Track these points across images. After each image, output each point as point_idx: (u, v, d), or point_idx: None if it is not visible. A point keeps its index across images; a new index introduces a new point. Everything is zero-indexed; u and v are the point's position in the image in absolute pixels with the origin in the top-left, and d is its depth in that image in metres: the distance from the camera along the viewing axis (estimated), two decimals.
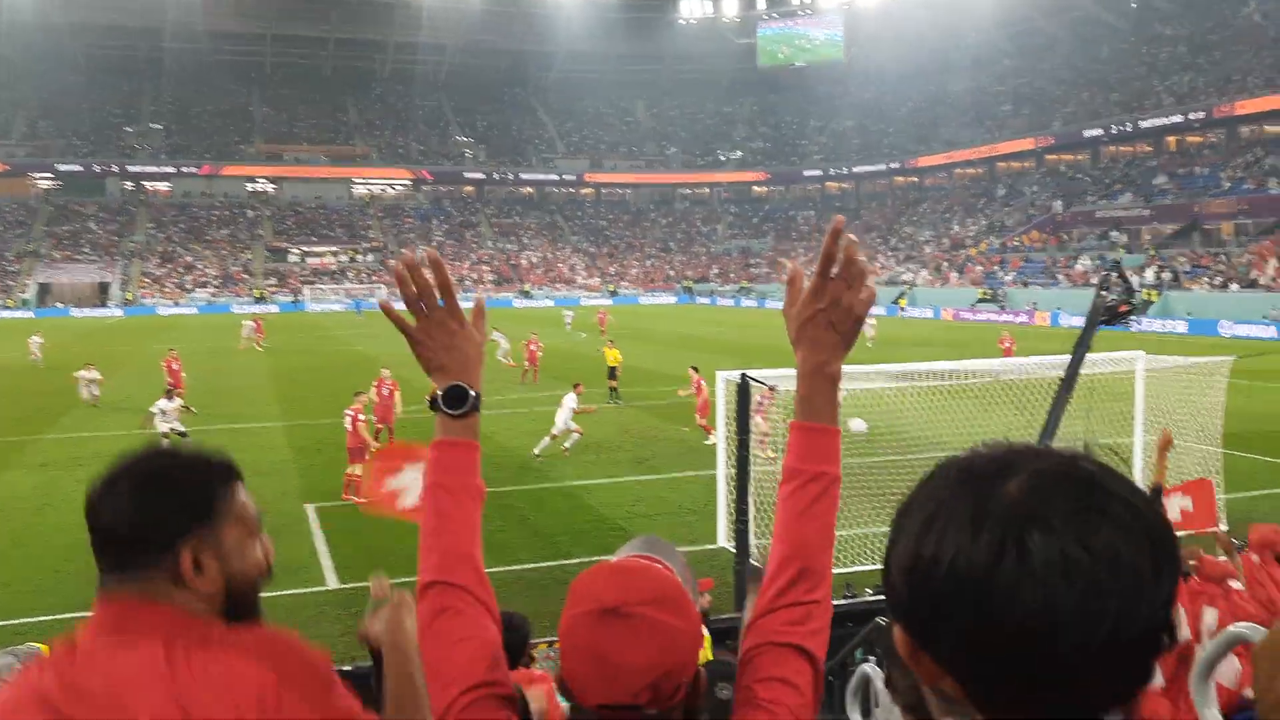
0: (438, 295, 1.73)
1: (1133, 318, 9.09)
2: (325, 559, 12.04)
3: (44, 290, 74.66)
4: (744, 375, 9.70)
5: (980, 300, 61.39)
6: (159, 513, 1.57)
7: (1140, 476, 13.73)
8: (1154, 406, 13.76)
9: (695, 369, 20.48)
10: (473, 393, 1.69)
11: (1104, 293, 9.16)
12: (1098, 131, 72.88)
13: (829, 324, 1.63)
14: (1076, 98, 79.45)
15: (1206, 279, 51.82)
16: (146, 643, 1.49)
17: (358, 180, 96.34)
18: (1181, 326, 46.83)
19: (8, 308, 70.25)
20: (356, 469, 14.98)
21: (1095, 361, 13.83)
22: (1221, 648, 3.08)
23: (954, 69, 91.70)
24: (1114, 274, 9.47)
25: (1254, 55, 66.60)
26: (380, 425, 16.84)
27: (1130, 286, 9.71)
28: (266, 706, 1.46)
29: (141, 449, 1.66)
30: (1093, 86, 79.20)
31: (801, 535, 1.58)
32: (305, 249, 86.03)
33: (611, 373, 24.43)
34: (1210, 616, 5.14)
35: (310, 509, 14.49)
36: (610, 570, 1.45)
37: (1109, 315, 9.17)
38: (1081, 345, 9.14)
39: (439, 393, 1.69)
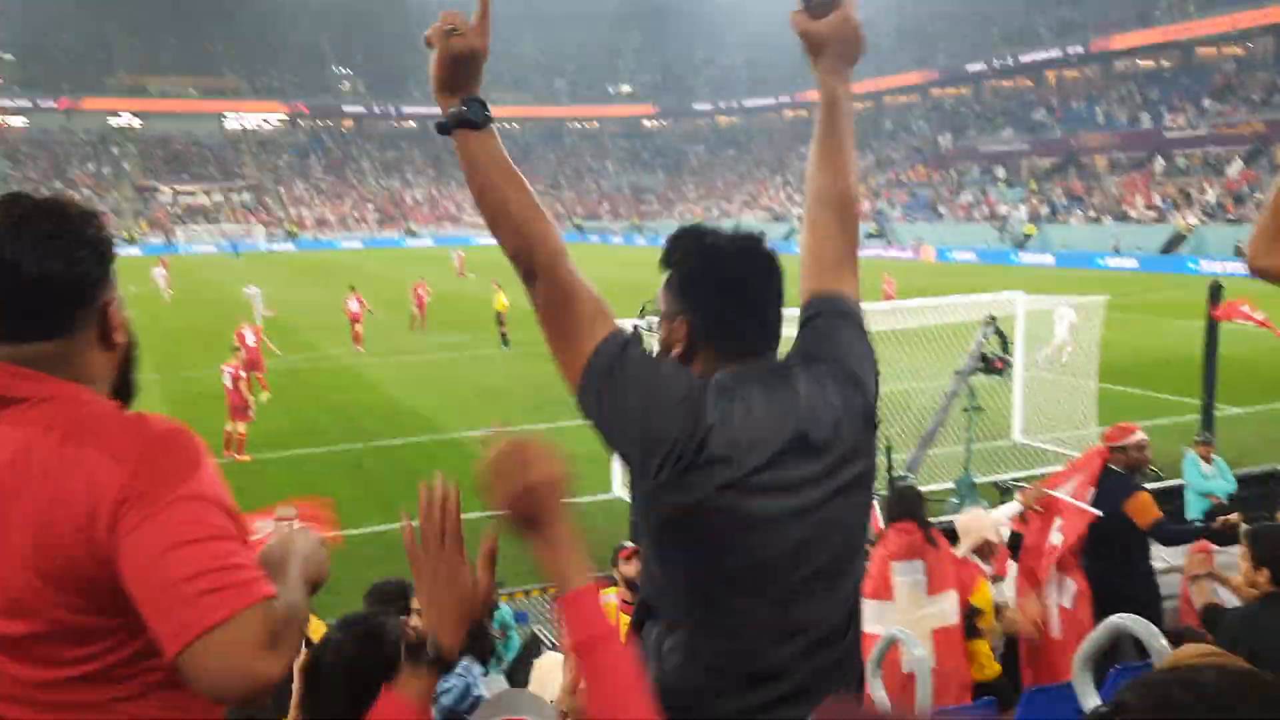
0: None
1: (1006, 372, 10.36)
2: None
3: None
4: (635, 327, 9.47)
5: (869, 236, 62.39)
6: (84, 262, 1.50)
7: (1019, 414, 14.15)
8: (1033, 339, 14.15)
9: None
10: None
11: (984, 340, 10.17)
12: (980, 66, 74.27)
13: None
14: (959, 32, 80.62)
15: (1080, 211, 53.68)
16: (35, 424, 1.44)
17: (229, 115, 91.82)
18: (1056, 260, 48.46)
19: None
20: (240, 426, 14.33)
21: (978, 303, 14.11)
22: (1104, 638, 3.11)
23: None
24: (992, 329, 10.38)
25: None
26: (247, 374, 15.79)
27: (1006, 343, 10.75)
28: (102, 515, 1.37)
29: (17, 196, 1.56)
30: (975, 20, 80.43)
31: None
32: (176, 188, 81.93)
33: (499, 318, 23.94)
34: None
35: None
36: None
37: (986, 365, 10.25)
38: (960, 377, 10.24)
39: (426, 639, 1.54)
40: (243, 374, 14.61)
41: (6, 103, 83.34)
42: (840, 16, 1.99)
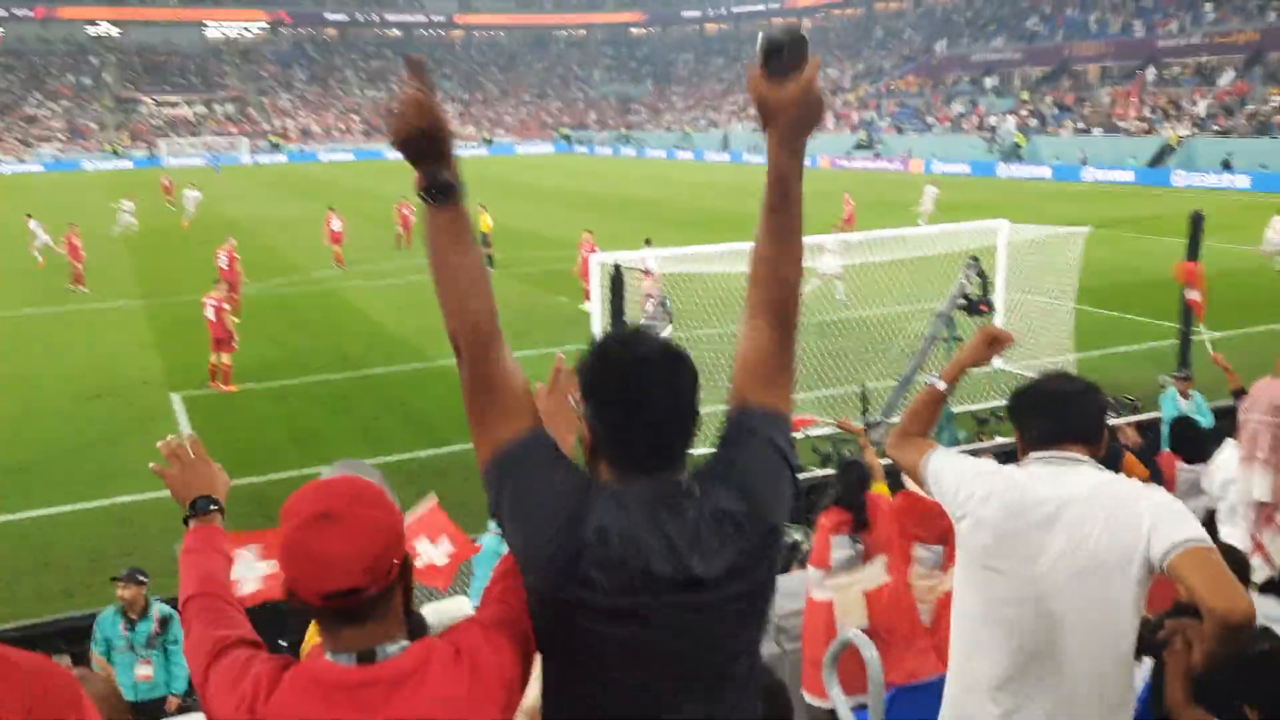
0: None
1: (987, 314, 10.26)
2: None
3: None
4: (617, 265, 9.52)
5: (857, 147, 61.76)
6: None
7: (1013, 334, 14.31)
8: (1015, 266, 14.25)
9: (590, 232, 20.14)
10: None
11: (965, 281, 10.03)
12: None
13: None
14: None
15: (1071, 122, 53.14)
16: None
17: (210, 23, 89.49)
18: (1048, 172, 48.17)
19: None
20: (224, 357, 14.43)
21: (961, 231, 14.17)
22: (839, 648, 3.38)
23: None
24: (974, 270, 10.22)
25: None
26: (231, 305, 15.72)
27: (986, 284, 10.64)
28: None
29: None
30: None
31: None
32: (157, 98, 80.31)
33: (484, 239, 23.85)
34: None
35: (176, 399, 13.95)
36: (313, 486, 1.65)
37: (968, 306, 10.17)
38: (939, 319, 10.18)
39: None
40: (226, 305, 14.63)
41: None
42: (802, 83, 1.83)
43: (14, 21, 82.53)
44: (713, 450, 1.86)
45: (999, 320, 14.21)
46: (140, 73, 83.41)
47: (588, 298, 16.66)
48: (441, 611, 6.03)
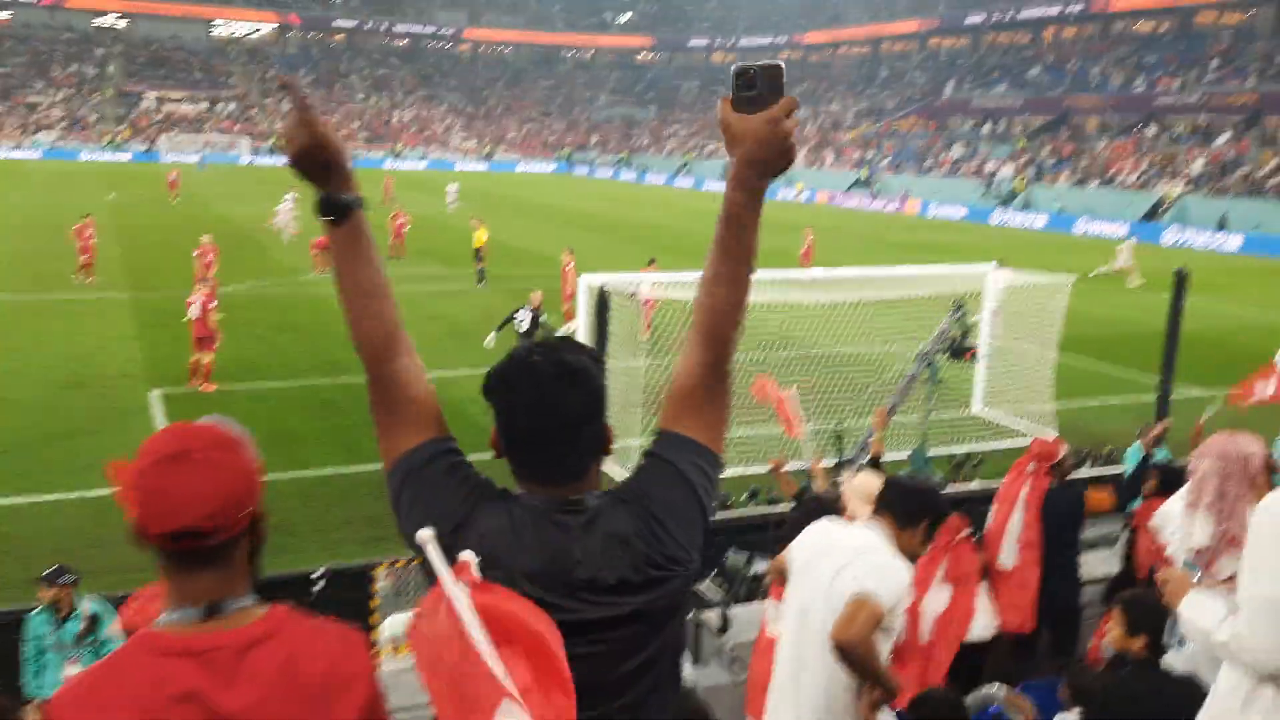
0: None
1: (972, 358, 10.13)
2: None
3: None
4: (602, 288, 9.54)
5: (855, 184, 62.04)
6: None
7: (980, 386, 14.37)
8: (1001, 312, 14.33)
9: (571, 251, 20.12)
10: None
11: (949, 325, 10.10)
12: (980, 18, 73.40)
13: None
14: None
15: (1068, 173, 53.59)
16: None
17: (218, 21, 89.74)
18: (1042, 221, 48.49)
19: None
20: (205, 356, 14.36)
21: (948, 274, 14.24)
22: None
23: None
24: (959, 315, 10.17)
25: None
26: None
27: (967, 332, 10.61)
28: None
29: None
30: None
31: None
32: (160, 94, 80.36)
33: (477, 254, 23.90)
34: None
35: (154, 395, 13.88)
36: (172, 427, 1.67)
37: (952, 350, 10.12)
38: (922, 360, 10.15)
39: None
40: (212, 304, 14.58)
41: None
42: (769, 117, 1.74)
43: (20, 7, 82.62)
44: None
45: (981, 366, 14.30)
46: (144, 66, 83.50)
47: (569, 318, 16.65)
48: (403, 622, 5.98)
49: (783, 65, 1.76)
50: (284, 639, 1.59)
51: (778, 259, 26.94)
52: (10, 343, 16.51)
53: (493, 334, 14.85)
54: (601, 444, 1.83)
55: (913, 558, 3.60)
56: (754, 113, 1.75)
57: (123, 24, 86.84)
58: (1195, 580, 3.17)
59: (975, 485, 9.76)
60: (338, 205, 1.80)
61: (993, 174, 56.16)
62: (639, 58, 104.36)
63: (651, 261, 19.44)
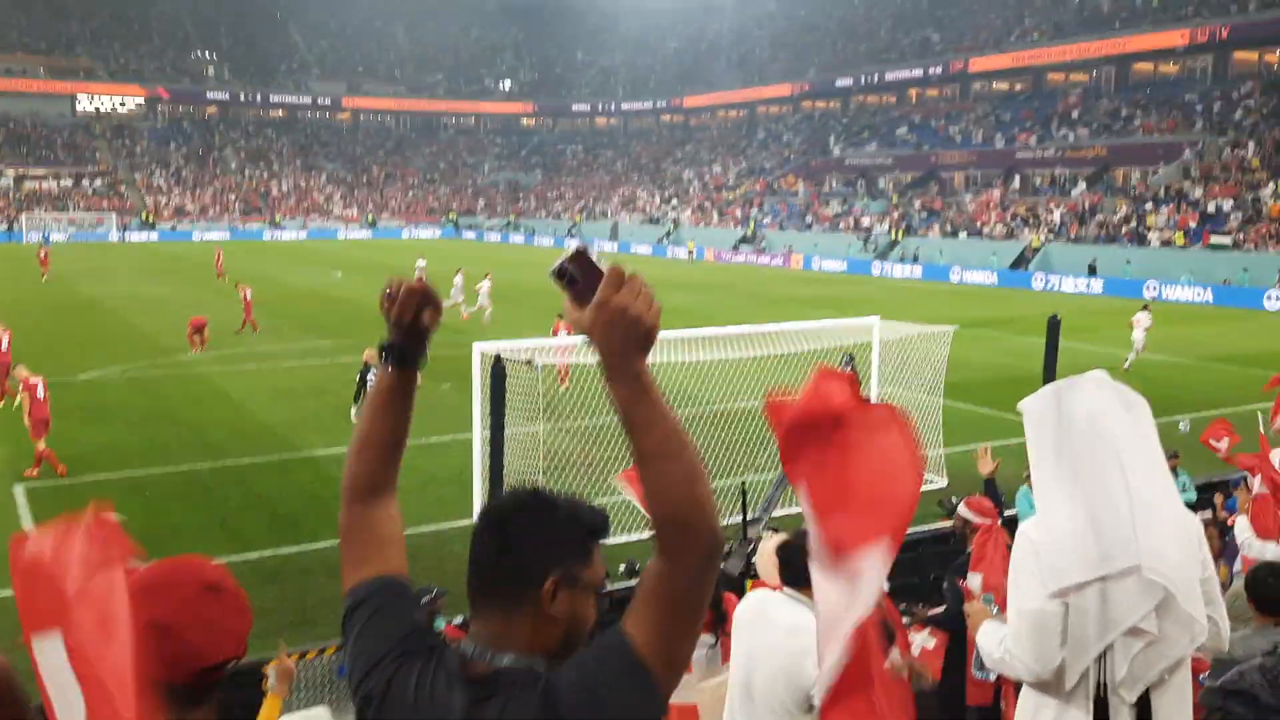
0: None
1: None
2: None
3: None
4: (498, 356, 9.41)
5: (742, 241, 63.59)
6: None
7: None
8: (887, 362, 14.73)
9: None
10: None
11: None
12: (849, 81, 76.52)
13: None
14: (830, 47, 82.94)
15: (938, 225, 55.94)
16: None
17: (82, 96, 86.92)
18: (918, 271, 50.42)
19: None
20: (42, 443, 13.41)
21: (837, 328, 14.58)
22: None
23: (717, 10, 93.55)
24: (849, 366, 10.40)
25: (985, 14, 71.74)
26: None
27: (859, 381, 10.52)
28: None
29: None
30: (844, 37, 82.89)
31: None
32: (20, 171, 77.11)
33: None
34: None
35: (19, 490, 13.02)
36: (176, 562, 1.78)
37: None
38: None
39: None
40: (41, 392, 13.66)
41: None
42: (595, 306, 1.58)
43: None
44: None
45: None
46: (2, 144, 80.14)
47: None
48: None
49: (585, 247, 1.67)
50: None
51: (674, 318, 27.16)
52: None
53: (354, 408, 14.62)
54: (526, 590, 1.69)
55: None
56: (585, 299, 1.60)
57: None
58: (995, 613, 3.52)
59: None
60: (408, 356, 1.92)
61: (868, 228, 58.23)
62: (523, 122, 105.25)
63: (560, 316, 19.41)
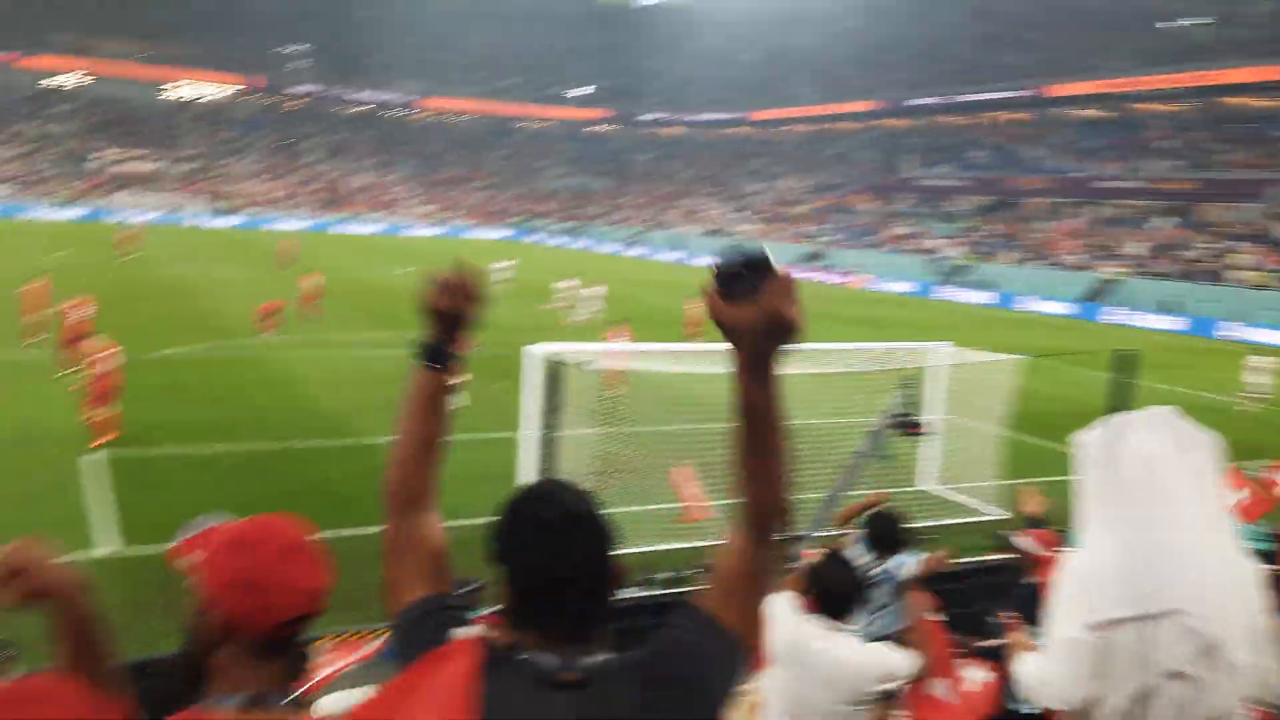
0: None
1: (920, 434, 10.18)
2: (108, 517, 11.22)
3: None
4: (554, 358, 9.51)
5: (807, 258, 63.16)
6: None
7: (928, 462, 14.48)
8: (949, 389, 14.54)
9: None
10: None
11: (899, 401, 9.93)
12: (927, 100, 75.74)
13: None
14: (910, 65, 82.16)
15: (1010, 252, 55.03)
16: None
17: (177, 83, 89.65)
18: (985, 298, 49.62)
19: None
20: (103, 409, 14.03)
21: (900, 350, 14.44)
22: None
23: (799, 24, 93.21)
24: (908, 391, 10.28)
25: (1070, 40, 70.54)
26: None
27: (918, 406, 10.60)
28: None
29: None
30: (926, 56, 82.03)
31: None
32: (113, 153, 79.73)
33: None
34: None
35: (99, 457, 13.47)
36: (264, 520, 1.83)
37: (901, 426, 9.84)
38: (872, 438, 10.02)
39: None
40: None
41: None
42: (762, 308, 1.62)
43: None
44: (649, 636, 1.76)
45: (929, 442, 14.42)
46: (98, 126, 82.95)
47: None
48: (346, 699, 5.78)
49: (768, 253, 1.66)
50: None
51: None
52: None
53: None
54: (611, 593, 1.75)
55: None
56: (746, 302, 1.63)
57: (78, 84, 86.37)
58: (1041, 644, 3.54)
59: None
60: (443, 355, 1.94)
61: (935, 251, 57.50)
62: (591, 129, 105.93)
63: (624, 321, 19.55)
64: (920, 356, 13.90)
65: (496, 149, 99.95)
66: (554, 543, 1.69)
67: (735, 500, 1.79)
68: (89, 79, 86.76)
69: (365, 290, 34.48)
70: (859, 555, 6.60)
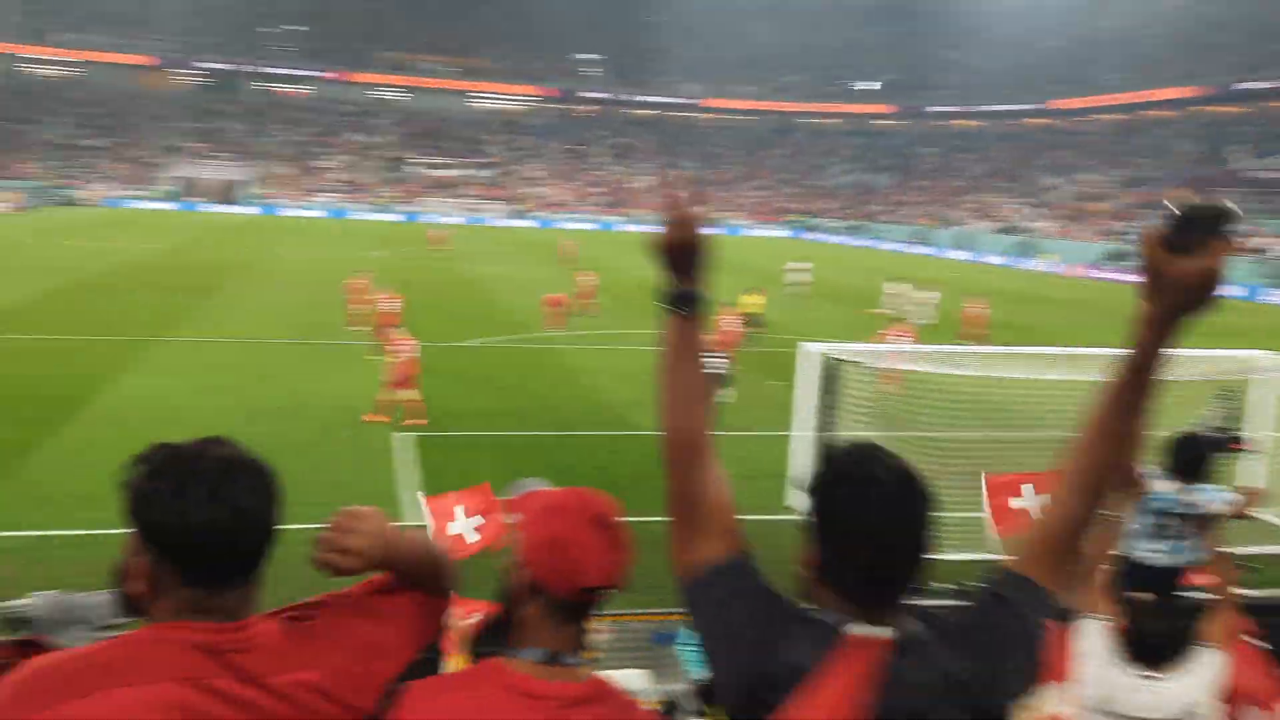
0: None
1: (1241, 451, 8.02)
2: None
3: (188, 185, 78.06)
4: (830, 357, 9.41)
5: (1108, 257, 58.53)
6: None
7: (1264, 476, 12.97)
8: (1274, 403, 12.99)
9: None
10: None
11: (1213, 413, 7.65)
12: (1257, 85, 67.99)
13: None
14: (1237, 46, 74.04)
15: None
16: None
17: (483, 94, 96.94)
18: None
19: (151, 198, 73.84)
20: (400, 393, 15.34)
21: (1211, 358, 13.05)
22: None
23: (1107, 4, 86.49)
24: (1226, 403, 7.86)
25: None
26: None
27: (1238, 419, 8.88)
28: None
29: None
30: (1255, 36, 73.61)
31: None
32: (426, 159, 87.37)
33: (756, 320, 24.10)
34: None
35: (406, 436, 14.78)
36: (578, 492, 1.84)
37: (1218, 441, 7.22)
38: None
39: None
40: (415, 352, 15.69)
41: (288, 71, 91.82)
42: (1208, 263, 1.60)
43: (313, 81, 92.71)
44: (954, 603, 1.76)
45: (1257, 459, 12.90)
46: (412, 136, 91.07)
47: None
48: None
49: (1231, 208, 1.62)
50: (603, 706, 1.74)
51: (1027, 335, 25.75)
52: (288, 385, 18.08)
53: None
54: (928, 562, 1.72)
55: None
56: (1188, 254, 1.61)
57: (398, 97, 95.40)
58: None
59: (1257, 592, 8.74)
60: (691, 300, 1.88)
61: (1266, 251, 51.46)
62: (874, 124, 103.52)
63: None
64: (1246, 365, 12.48)
65: (776, 147, 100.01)
66: (887, 504, 1.66)
67: (1069, 463, 1.77)
68: (407, 96, 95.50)
69: (641, 288, 35.56)
70: (1158, 481, 5.98)
